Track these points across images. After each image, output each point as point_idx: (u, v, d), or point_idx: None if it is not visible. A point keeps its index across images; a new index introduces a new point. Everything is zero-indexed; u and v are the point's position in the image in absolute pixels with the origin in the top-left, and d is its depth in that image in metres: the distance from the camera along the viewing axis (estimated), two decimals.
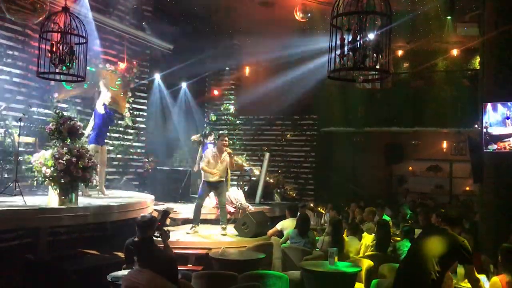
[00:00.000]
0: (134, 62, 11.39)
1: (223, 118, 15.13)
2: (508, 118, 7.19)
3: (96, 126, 8.20)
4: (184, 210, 9.39)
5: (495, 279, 4.34)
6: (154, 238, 4.77)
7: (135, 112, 11.73)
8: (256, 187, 11.74)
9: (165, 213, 6.85)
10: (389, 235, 6.81)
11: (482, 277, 4.63)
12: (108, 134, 9.28)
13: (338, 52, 4.01)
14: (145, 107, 12.17)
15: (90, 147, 7.78)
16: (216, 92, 15.12)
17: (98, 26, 9.93)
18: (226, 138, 8.44)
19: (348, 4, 4.03)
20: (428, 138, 14.18)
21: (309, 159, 14.01)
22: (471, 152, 8.22)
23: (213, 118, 14.73)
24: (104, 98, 8.33)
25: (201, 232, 8.40)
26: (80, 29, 5.58)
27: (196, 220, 8.29)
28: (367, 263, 5.88)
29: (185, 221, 9.08)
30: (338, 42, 4.02)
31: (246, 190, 11.84)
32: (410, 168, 14.97)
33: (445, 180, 14.51)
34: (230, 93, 15.22)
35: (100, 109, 8.22)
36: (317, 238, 7.38)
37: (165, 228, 5.44)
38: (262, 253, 6.65)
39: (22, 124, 7.01)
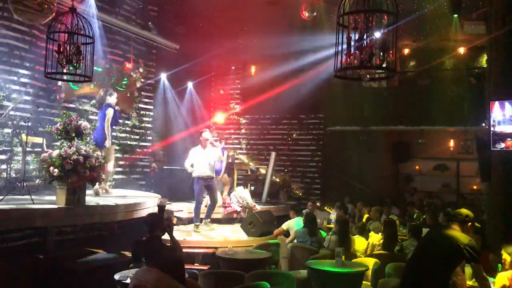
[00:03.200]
0: (141, 62, 11.42)
1: (229, 117, 15.13)
2: None
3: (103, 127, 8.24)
4: (190, 209, 9.41)
5: (502, 274, 4.32)
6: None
7: (141, 112, 11.77)
8: (262, 187, 11.75)
9: (161, 207, 6.92)
10: (396, 234, 6.80)
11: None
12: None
13: (345, 51, 4.00)
14: (151, 107, 12.20)
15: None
16: (222, 92, 15.13)
17: (104, 26, 9.98)
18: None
19: (354, 2, 4.02)
20: (435, 136, 14.12)
21: (315, 158, 13.99)
22: (479, 151, 8.18)
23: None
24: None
25: (207, 232, 8.43)
26: (87, 29, 5.60)
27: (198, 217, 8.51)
28: (374, 262, 5.87)
29: (192, 220, 9.10)
30: (345, 40, 4.01)
31: (252, 189, 11.84)
32: (417, 167, 14.92)
33: (452, 179, 14.45)
34: (236, 93, 15.22)
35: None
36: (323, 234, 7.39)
37: (166, 221, 5.48)
38: (269, 252, 6.66)
39: (29, 124, 7.05)
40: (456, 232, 3.95)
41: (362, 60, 3.93)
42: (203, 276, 5.24)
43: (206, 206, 8.85)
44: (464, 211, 4.16)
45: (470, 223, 4.05)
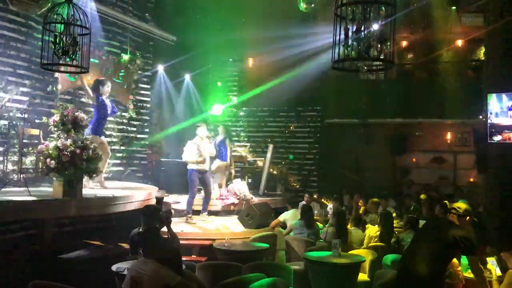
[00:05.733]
0: (138, 54, 11.37)
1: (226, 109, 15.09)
2: None
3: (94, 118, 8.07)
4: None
5: None
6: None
7: (138, 104, 11.73)
8: (259, 179, 11.75)
9: (159, 199, 6.94)
10: (392, 226, 6.83)
11: (491, 261, 4.60)
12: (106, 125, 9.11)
13: (342, 42, 3.99)
14: (148, 99, 12.16)
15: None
16: (219, 84, 15.08)
17: (101, 17, 9.91)
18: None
19: None
20: (432, 129, 14.13)
21: (313, 150, 14.00)
22: (476, 143, 8.20)
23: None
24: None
25: (205, 223, 8.45)
26: (83, 20, 5.56)
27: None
28: (370, 254, 5.90)
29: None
30: (342, 32, 3.99)
31: (249, 181, 11.85)
32: (414, 159, 14.94)
33: (449, 171, 14.48)
34: (234, 85, 15.17)
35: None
36: (320, 227, 7.41)
37: (164, 213, 5.48)
38: (266, 244, 6.68)
39: (26, 116, 7.01)
40: (453, 224, 3.96)
41: (360, 52, 3.92)
42: (200, 267, 5.26)
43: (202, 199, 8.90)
44: (463, 205, 4.14)
45: (468, 217, 4.05)
